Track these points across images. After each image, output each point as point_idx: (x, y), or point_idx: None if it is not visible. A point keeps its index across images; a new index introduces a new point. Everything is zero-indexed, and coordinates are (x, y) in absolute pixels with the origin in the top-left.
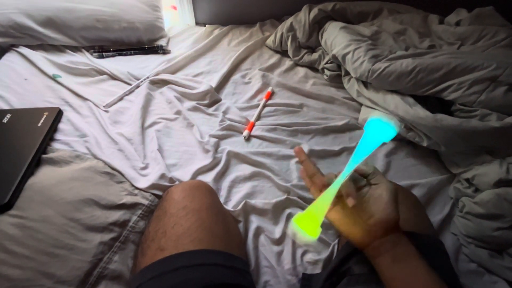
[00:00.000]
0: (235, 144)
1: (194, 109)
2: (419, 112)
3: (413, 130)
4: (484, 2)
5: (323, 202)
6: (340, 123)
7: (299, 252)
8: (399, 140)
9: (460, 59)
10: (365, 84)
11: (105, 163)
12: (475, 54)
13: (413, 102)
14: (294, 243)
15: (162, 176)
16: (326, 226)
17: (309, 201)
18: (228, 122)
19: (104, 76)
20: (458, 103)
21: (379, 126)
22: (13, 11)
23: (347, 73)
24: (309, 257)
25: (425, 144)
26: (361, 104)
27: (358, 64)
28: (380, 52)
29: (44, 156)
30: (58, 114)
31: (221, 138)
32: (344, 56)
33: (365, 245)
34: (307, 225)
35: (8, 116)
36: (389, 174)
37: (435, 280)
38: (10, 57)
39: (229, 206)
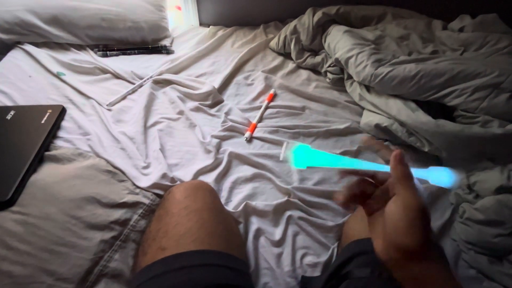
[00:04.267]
0: (236, 145)
1: (197, 109)
2: (421, 117)
3: (415, 135)
4: (487, 9)
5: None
6: (342, 126)
7: (298, 254)
8: (399, 144)
9: (463, 65)
10: (368, 88)
11: (107, 161)
12: (478, 60)
13: (415, 107)
14: (294, 245)
15: (164, 176)
16: (326, 229)
17: (309, 204)
18: (230, 123)
19: (108, 75)
20: (460, 109)
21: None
22: (19, 9)
23: (350, 77)
24: (308, 259)
25: (426, 149)
26: (363, 108)
27: (361, 68)
28: (383, 57)
29: (47, 153)
30: (61, 112)
31: (223, 139)
32: (347, 59)
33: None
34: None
35: (12, 112)
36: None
37: None
38: (15, 54)
39: (230, 207)
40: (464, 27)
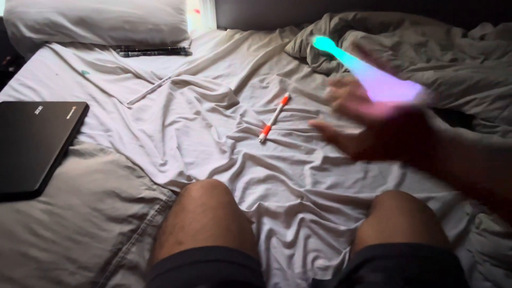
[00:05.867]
0: (250, 147)
1: (213, 110)
2: (439, 125)
3: None
4: (510, 18)
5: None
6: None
7: (310, 257)
8: None
9: (484, 73)
10: None
11: (127, 157)
12: (499, 69)
13: (433, 114)
14: (305, 248)
15: (180, 174)
16: (338, 233)
17: (322, 207)
18: (245, 125)
19: (129, 75)
20: (479, 118)
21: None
22: (49, 10)
23: None
24: (320, 262)
25: None
26: None
27: None
28: (400, 63)
29: (71, 147)
30: (85, 109)
31: (237, 140)
32: None
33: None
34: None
35: (40, 108)
36: (404, 186)
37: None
38: (44, 53)
39: (243, 207)
40: (486, 35)
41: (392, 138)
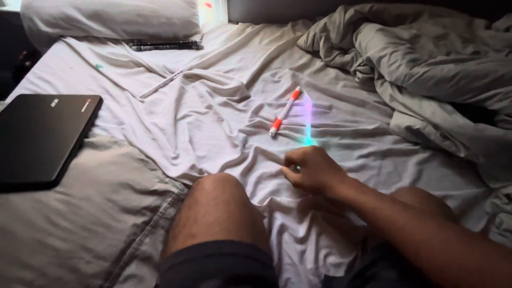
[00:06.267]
0: (262, 141)
1: (225, 104)
2: (458, 120)
3: (450, 139)
4: None
5: None
6: (370, 127)
7: (322, 253)
8: (432, 148)
9: (508, 67)
10: (400, 88)
11: (140, 150)
12: None
13: (452, 109)
14: (317, 244)
15: (192, 167)
16: (351, 230)
17: (335, 203)
18: (257, 119)
19: (141, 68)
20: (503, 114)
21: None
22: (64, 4)
23: (380, 77)
24: (332, 259)
25: (462, 154)
26: (393, 109)
27: (394, 68)
28: (419, 56)
29: (86, 140)
30: (99, 102)
31: (249, 134)
32: (379, 59)
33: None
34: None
35: (56, 101)
36: (421, 183)
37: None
38: (59, 47)
39: (255, 201)
40: (511, 26)
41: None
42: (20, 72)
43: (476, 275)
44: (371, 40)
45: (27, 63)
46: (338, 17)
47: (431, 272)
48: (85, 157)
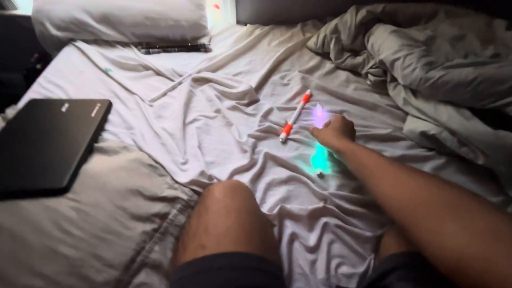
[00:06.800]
0: (272, 146)
1: (233, 108)
2: (477, 127)
3: (467, 145)
4: None
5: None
6: (383, 132)
7: (333, 263)
8: (448, 154)
9: None
10: (414, 92)
11: (149, 155)
12: None
13: (470, 115)
14: (329, 253)
15: (202, 173)
16: (363, 239)
17: (347, 212)
18: (267, 124)
19: (150, 72)
20: None
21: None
22: (74, 8)
23: (393, 79)
24: (344, 269)
25: (480, 162)
26: (406, 113)
27: (409, 71)
28: (435, 59)
29: (96, 145)
30: (108, 106)
31: (259, 139)
32: (393, 61)
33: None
34: None
35: (66, 105)
36: None
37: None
38: (69, 51)
39: (265, 209)
40: None
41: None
42: (32, 75)
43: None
44: (384, 42)
45: (38, 66)
46: (350, 18)
47: (384, 203)
48: (95, 162)
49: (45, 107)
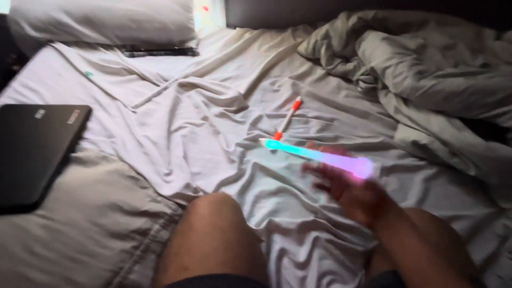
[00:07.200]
0: (260, 155)
1: (221, 115)
2: (469, 138)
3: (459, 156)
4: None
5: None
6: (374, 140)
7: (325, 280)
8: (440, 163)
9: None
10: (405, 100)
11: (131, 166)
12: None
13: (462, 125)
14: (319, 269)
15: (187, 186)
16: (355, 254)
17: (339, 225)
18: (255, 132)
19: (134, 76)
20: None
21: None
22: (54, 8)
23: (384, 87)
24: (335, 287)
25: (472, 173)
26: (397, 121)
27: (400, 80)
28: (426, 68)
29: (73, 154)
30: (88, 112)
31: (247, 148)
32: (384, 69)
33: (368, 225)
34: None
35: (42, 111)
36: (427, 202)
37: (424, 246)
38: (47, 52)
39: (252, 223)
40: None
41: (359, 200)
42: (8, 77)
43: None
44: (375, 50)
45: (15, 68)
46: (341, 24)
47: None
48: (71, 174)
49: (18, 114)
